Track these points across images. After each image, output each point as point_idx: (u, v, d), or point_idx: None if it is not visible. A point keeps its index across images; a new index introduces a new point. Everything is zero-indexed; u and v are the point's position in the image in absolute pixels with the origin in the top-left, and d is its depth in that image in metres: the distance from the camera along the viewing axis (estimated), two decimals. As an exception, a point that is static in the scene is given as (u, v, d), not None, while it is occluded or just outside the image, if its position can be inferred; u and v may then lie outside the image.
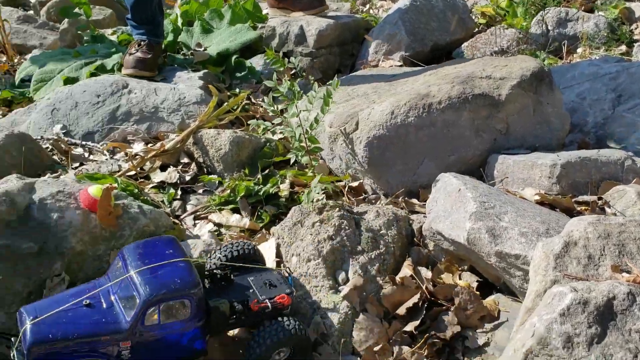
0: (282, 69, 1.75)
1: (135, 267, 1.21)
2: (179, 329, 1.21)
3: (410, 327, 1.38)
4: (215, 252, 1.44)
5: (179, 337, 1.22)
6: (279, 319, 1.29)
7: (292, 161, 1.82)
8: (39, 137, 2.25)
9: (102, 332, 1.17)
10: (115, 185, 1.67)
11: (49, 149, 2.23)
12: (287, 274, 1.40)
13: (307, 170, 1.97)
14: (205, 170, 2.08)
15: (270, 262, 1.57)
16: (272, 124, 1.85)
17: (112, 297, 1.22)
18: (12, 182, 1.54)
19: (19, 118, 2.45)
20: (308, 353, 1.33)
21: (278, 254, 1.57)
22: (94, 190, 1.54)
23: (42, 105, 2.40)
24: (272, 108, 1.77)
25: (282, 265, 1.54)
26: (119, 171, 2.03)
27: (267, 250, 1.60)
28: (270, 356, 1.27)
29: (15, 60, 3.53)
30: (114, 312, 1.19)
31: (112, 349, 1.17)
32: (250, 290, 1.33)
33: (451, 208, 1.44)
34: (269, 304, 1.29)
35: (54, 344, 1.13)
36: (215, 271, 1.37)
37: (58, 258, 1.47)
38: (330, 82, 1.73)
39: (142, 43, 2.55)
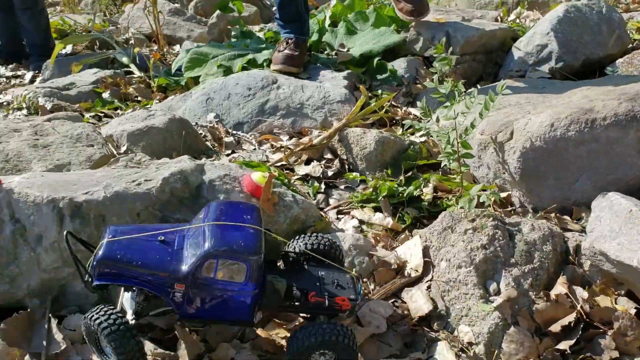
0: (448, 67, 1.76)
1: (212, 220, 1.25)
2: (231, 290, 1.23)
3: (564, 345, 1.34)
4: (300, 238, 1.45)
5: (229, 299, 1.23)
6: (331, 321, 1.28)
7: (442, 164, 1.82)
8: (194, 124, 2.42)
9: (163, 268, 1.21)
10: (276, 174, 1.76)
11: (202, 135, 2.39)
12: (358, 280, 1.38)
13: (451, 176, 1.97)
14: (347, 167, 2.14)
15: (416, 261, 1.58)
16: (425, 127, 1.85)
17: (186, 242, 1.26)
18: (185, 163, 1.67)
19: (175, 104, 2.65)
20: None
21: (425, 255, 1.58)
22: (257, 177, 1.64)
23: (197, 93, 2.58)
24: (425, 110, 1.79)
25: (430, 266, 1.55)
26: (267, 161, 2.14)
27: (412, 248, 1.62)
28: (309, 354, 1.25)
29: (165, 50, 3.80)
30: (180, 255, 1.24)
31: (167, 287, 1.22)
32: (316, 284, 1.33)
33: (619, 229, 1.38)
34: (326, 300, 1.28)
35: (118, 264, 1.21)
36: (290, 253, 1.39)
37: (222, 236, 1.58)
38: (476, 87, 1.71)
39: (289, 41, 2.67)
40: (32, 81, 3.41)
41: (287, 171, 2.13)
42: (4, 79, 3.51)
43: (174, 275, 1.21)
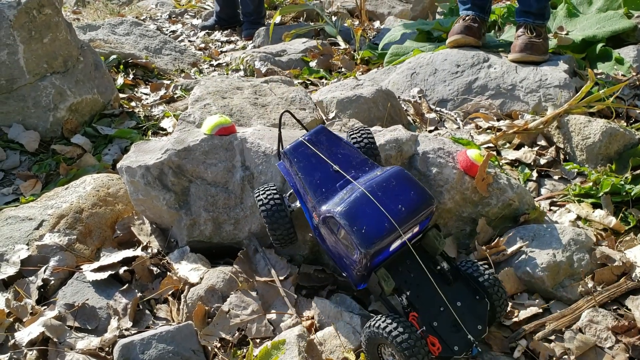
0: None
1: (375, 184, 1.18)
2: (345, 252, 1.19)
3: None
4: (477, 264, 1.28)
5: (344, 254, 1.20)
6: (395, 316, 1.14)
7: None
8: (397, 97, 2.41)
9: (313, 195, 1.25)
10: (494, 153, 1.67)
11: (405, 109, 2.37)
12: (475, 343, 1.15)
13: (691, 180, 1.73)
14: (562, 156, 1.98)
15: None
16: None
17: (346, 187, 1.23)
18: (400, 132, 1.65)
19: (378, 77, 2.66)
20: None
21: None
22: (474, 155, 1.57)
23: (403, 67, 2.56)
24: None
25: None
26: (472, 141, 2.05)
27: (642, 256, 1.45)
28: (376, 348, 1.17)
29: (365, 25, 3.85)
30: (333, 194, 1.23)
31: (309, 209, 1.29)
32: (440, 308, 1.17)
33: None
34: (419, 330, 1.13)
35: (292, 165, 1.30)
36: (442, 262, 1.24)
37: (432, 210, 1.54)
38: None
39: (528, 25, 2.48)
40: (243, 47, 3.66)
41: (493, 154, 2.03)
42: (219, 44, 3.82)
43: (316, 206, 1.24)
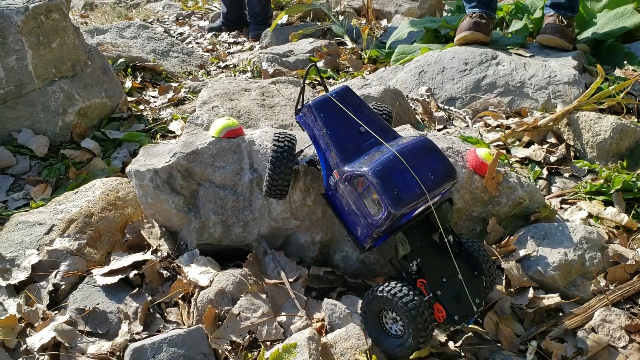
0: None
1: (406, 150, 1.18)
2: (364, 212, 1.19)
3: None
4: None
5: (360, 215, 1.20)
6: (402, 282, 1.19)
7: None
8: (405, 96, 2.39)
9: (337, 152, 1.24)
10: (503, 151, 1.66)
11: (413, 108, 2.35)
12: (476, 313, 1.21)
13: None
14: (572, 153, 1.96)
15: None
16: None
17: (373, 148, 1.24)
18: (409, 131, 1.65)
19: (386, 75, 2.65)
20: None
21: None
22: (483, 154, 1.56)
23: (411, 66, 2.54)
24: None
25: None
26: (481, 140, 2.04)
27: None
28: (378, 313, 1.22)
29: (372, 23, 3.83)
30: (358, 153, 1.24)
31: (329, 166, 1.28)
32: (443, 279, 1.21)
33: None
34: (426, 296, 1.18)
35: (316, 120, 1.28)
36: (462, 238, 1.27)
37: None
38: None
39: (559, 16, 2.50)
40: (250, 48, 3.66)
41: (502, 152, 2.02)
42: (227, 45, 3.83)
43: (339, 164, 1.23)
